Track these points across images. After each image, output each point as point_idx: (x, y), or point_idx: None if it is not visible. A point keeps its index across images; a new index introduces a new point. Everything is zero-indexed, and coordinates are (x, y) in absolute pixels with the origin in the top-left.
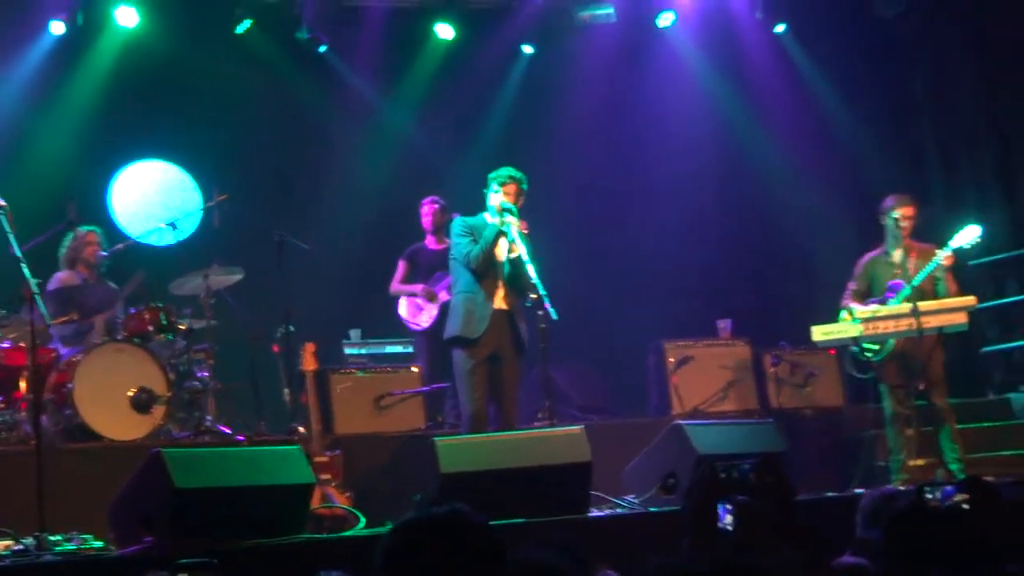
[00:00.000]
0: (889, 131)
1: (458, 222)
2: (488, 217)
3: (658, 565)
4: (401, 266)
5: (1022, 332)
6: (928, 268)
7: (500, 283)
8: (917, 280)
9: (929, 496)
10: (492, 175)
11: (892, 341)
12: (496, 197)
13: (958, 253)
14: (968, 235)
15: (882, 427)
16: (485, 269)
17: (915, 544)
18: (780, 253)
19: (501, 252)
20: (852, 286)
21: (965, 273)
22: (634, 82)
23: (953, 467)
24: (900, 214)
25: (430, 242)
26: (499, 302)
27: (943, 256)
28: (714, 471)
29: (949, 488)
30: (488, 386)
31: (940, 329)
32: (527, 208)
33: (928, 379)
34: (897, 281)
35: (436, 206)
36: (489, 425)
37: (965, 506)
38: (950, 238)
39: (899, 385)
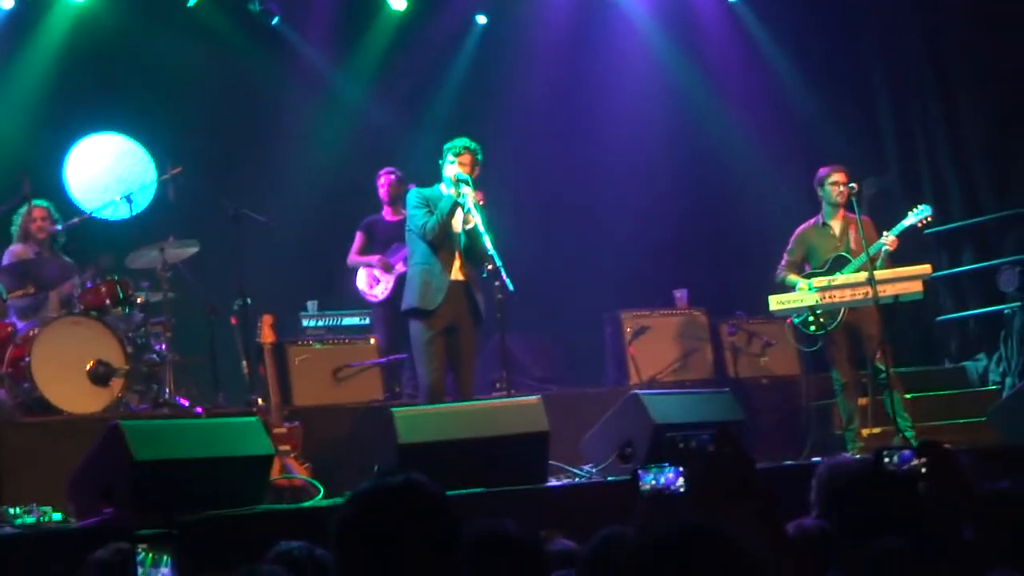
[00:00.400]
0: (843, 101)
1: (413, 193)
2: (444, 188)
3: (606, 535)
4: (358, 238)
5: (976, 301)
6: (873, 248)
7: (456, 254)
8: (861, 259)
9: (887, 461)
10: (447, 146)
11: (838, 317)
12: (451, 168)
13: (905, 233)
14: (918, 215)
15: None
16: (441, 240)
17: (872, 509)
18: (736, 222)
19: (457, 223)
20: (787, 256)
21: (921, 239)
22: (589, 52)
23: (908, 434)
24: (834, 181)
25: (387, 213)
26: (456, 273)
27: (888, 240)
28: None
29: (906, 453)
30: (446, 357)
31: (896, 298)
32: (482, 178)
33: (874, 349)
34: (844, 254)
35: (392, 177)
36: (446, 396)
37: (923, 470)
38: (903, 217)
39: (846, 357)
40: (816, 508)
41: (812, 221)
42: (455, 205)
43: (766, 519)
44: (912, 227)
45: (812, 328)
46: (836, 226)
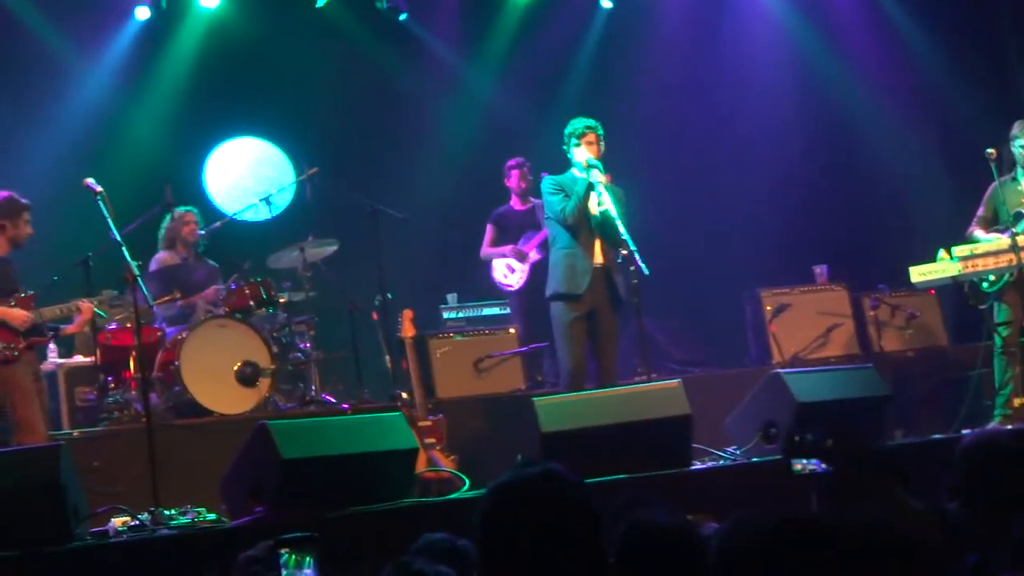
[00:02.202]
0: (975, 64)
1: (547, 180)
2: (576, 172)
3: (744, 520)
4: (489, 230)
5: None
6: None
7: (596, 238)
8: None
9: None
10: (568, 129)
11: (1012, 272)
12: (580, 152)
13: None
14: None
15: (988, 365)
16: (580, 225)
17: (1014, 489)
18: (872, 194)
19: (594, 206)
20: (980, 212)
21: None
22: (716, 31)
23: None
24: (1014, 136)
25: (515, 203)
26: (598, 257)
27: None
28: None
29: None
30: (588, 342)
31: None
32: (612, 163)
33: None
34: (1022, 210)
35: (523, 169)
36: (589, 381)
37: None
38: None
39: (1012, 320)
40: (956, 484)
41: (1006, 177)
42: (589, 187)
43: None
44: None
45: (984, 286)
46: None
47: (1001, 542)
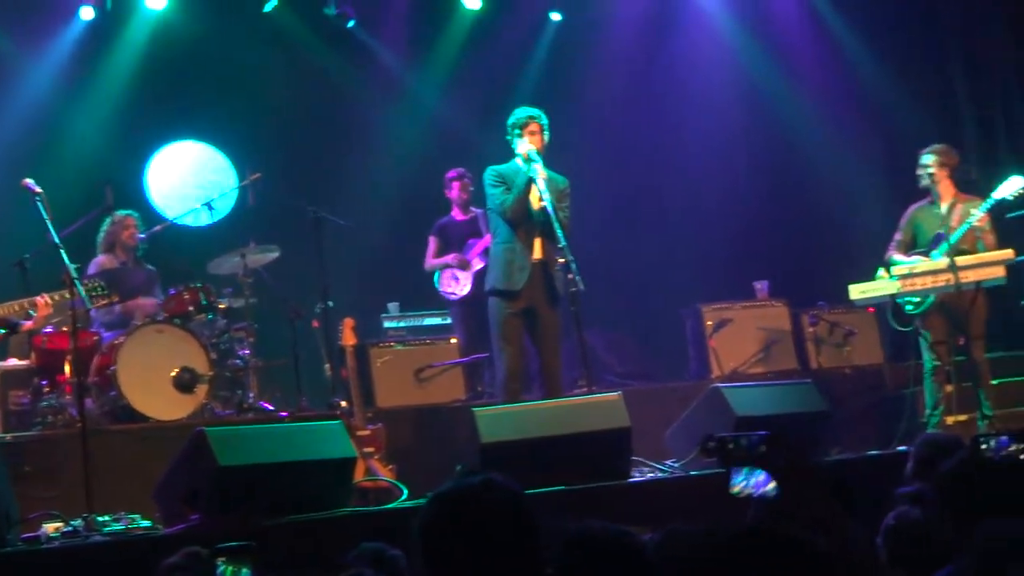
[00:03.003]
0: (920, 84)
1: (490, 172)
2: (520, 163)
3: (677, 532)
4: (432, 242)
5: None
6: (965, 225)
7: (536, 232)
8: (955, 237)
9: (984, 447)
10: (511, 120)
11: (933, 296)
12: (522, 144)
13: (1000, 205)
14: (1010, 187)
15: (920, 383)
16: (520, 219)
17: (969, 497)
18: (814, 212)
19: (535, 201)
20: (897, 236)
21: (1002, 225)
22: (662, 45)
23: (981, 423)
24: (921, 163)
25: (457, 214)
26: (536, 252)
27: (977, 219)
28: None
29: (1004, 439)
30: (527, 341)
31: (978, 284)
32: (559, 165)
33: (969, 332)
34: (942, 232)
35: (464, 180)
36: (532, 382)
37: (1022, 456)
38: (991, 191)
39: (940, 341)
40: (908, 493)
41: (924, 201)
42: (530, 181)
43: (836, 516)
44: (1007, 201)
45: (909, 308)
46: (944, 205)
47: (967, 546)
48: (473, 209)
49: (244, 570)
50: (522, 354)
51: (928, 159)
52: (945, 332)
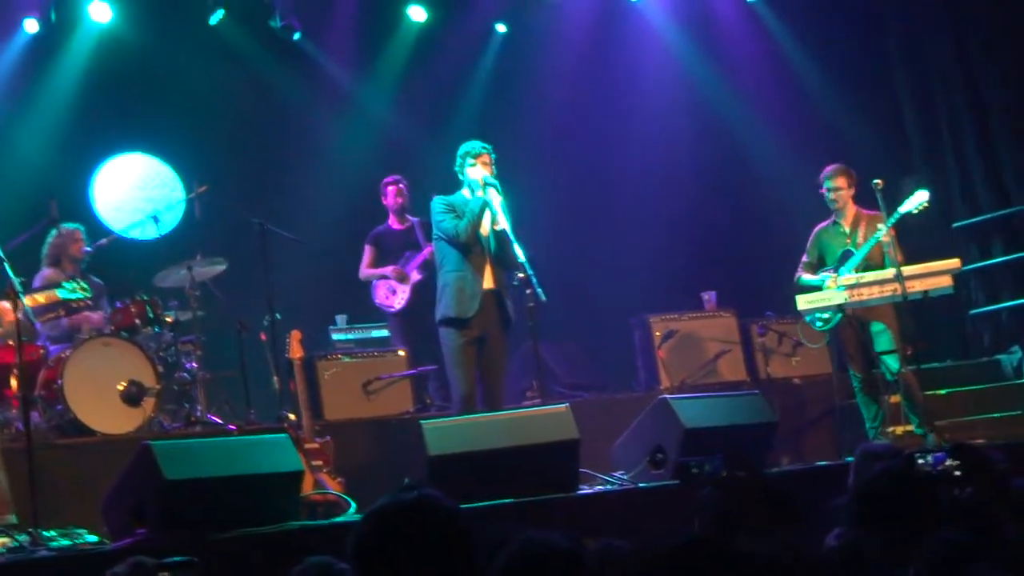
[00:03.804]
0: (865, 95)
1: (438, 201)
2: (466, 192)
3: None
4: (368, 251)
5: (1009, 293)
6: (871, 241)
7: (487, 260)
8: (862, 252)
9: (920, 462)
10: (464, 149)
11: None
12: (475, 171)
13: (906, 219)
14: (915, 201)
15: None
16: (472, 246)
17: (904, 510)
18: (762, 222)
19: (486, 226)
20: (804, 258)
21: (947, 235)
22: (608, 56)
23: (917, 430)
24: (828, 187)
25: (393, 223)
26: (488, 281)
27: (883, 234)
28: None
29: (939, 454)
30: (476, 366)
31: (925, 293)
32: (505, 186)
33: (888, 345)
34: (850, 249)
35: (400, 186)
36: (477, 406)
37: (956, 472)
38: (897, 206)
39: (857, 353)
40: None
41: (828, 221)
42: (484, 206)
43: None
44: (911, 215)
45: (819, 324)
46: (846, 223)
47: (914, 564)
48: (409, 218)
49: None
50: (476, 379)
51: (838, 181)
52: (857, 347)
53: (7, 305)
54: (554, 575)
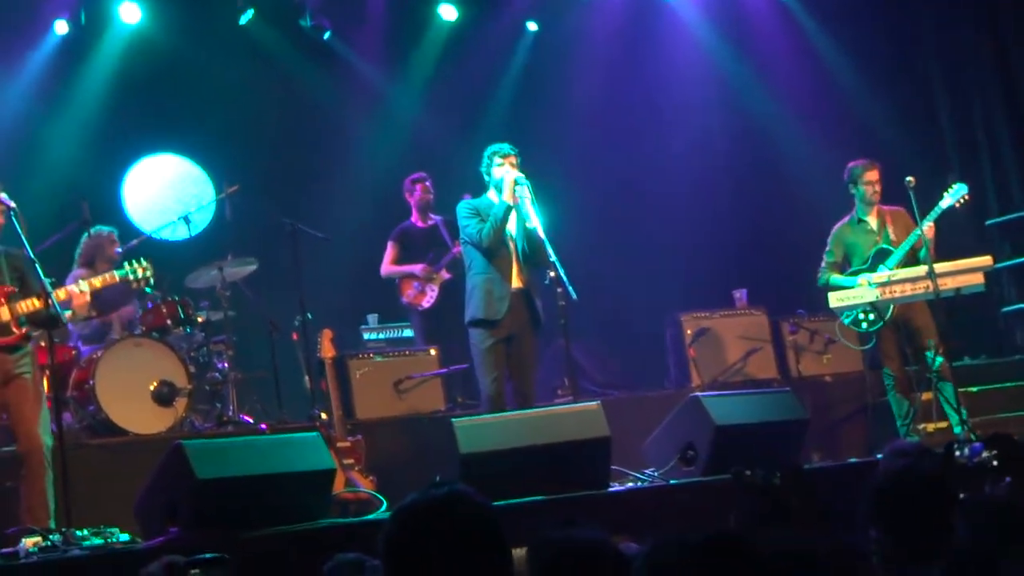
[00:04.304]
0: (899, 93)
1: (463, 205)
2: (492, 194)
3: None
4: (391, 247)
5: None
6: (912, 237)
7: (514, 261)
8: (904, 247)
9: (957, 454)
10: (492, 150)
11: (888, 313)
12: (502, 171)
13: (945, 214)
14: (955, 195)
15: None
16: (497, 248)
17: (919, 508)
18: (793, 220)
19: (515, 226)
20: (827, 258)
21: (982, 230)
22: (641, 55)
23: (957, 430)
24: (868, 180)
25: (417, 220)
26: (516, 281)
27: (925, 227)
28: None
29: (976, 445)
30: (506, 366)
31: (958, 291)
32: (536, 185)
33: (924, 344)
34: (885, 246)
35: (428, 183)
36: (507, 404)
37: (994, 463)
38: (938, 201)
39: (892, 355)
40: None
41: (847, 218)
42: (508, 210)
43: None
44: (952, 209)
45: (864, 326)
46: (872, 221)
47: (938, 562)
48: (433, 216)
49: None
50: (505, 378)
51: (873, 175)
52: (899, 344)
53: (75, 289)
54: (594, 570)
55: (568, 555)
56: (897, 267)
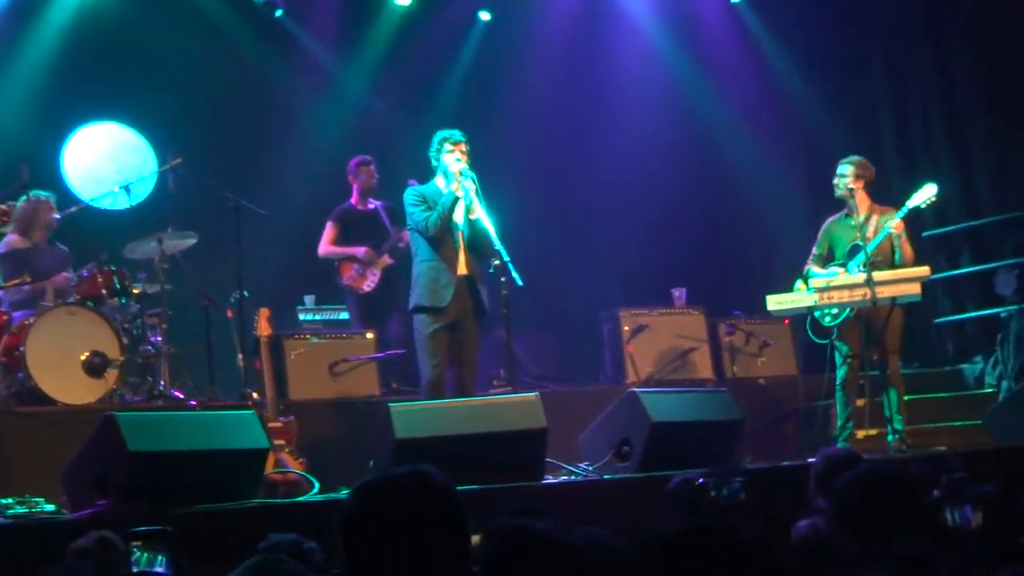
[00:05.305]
0: (844, 100)
1: (411, 192)
2: (440, 181)
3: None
4: (330, 227)
5: (974, 304)
6: (881, 235)
7: (460, 249)
8: (871, 247)
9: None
10: (441, 136)
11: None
12: (450, 159)
13: (914, 213)
14: (924, 194)
15: (832, 396)
16: (443, 236)
17: (865, 512)
18: (735, 222)
19: (459, 216)
20: (814, 250)
21: (917, 244)
22: (591, 52)
23: (890, 439)
24: (838, 173)
25: (357, 202)
26: (461, 268)
27: (893, 224)
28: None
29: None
30: (448, 353)
31: (894, 299)
32: (481, 175)
33: (884, 346)
34: (859, 244)
35: (373, 167)
36: (446, 391)
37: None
38: (907, 200)
39: (854, 354)
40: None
41: (839, 213)
42: (455, 200)
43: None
44: (919, 208)
45: (827, 320)
46: (860, 216)
47: (883, 564)
48: (373, 201)
49: (160, 556)
50: (446, 364)
51: (845, 169)
52: (859, 345)
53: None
54: (539, 562)
55: (523, 543)
56: (864, 265)
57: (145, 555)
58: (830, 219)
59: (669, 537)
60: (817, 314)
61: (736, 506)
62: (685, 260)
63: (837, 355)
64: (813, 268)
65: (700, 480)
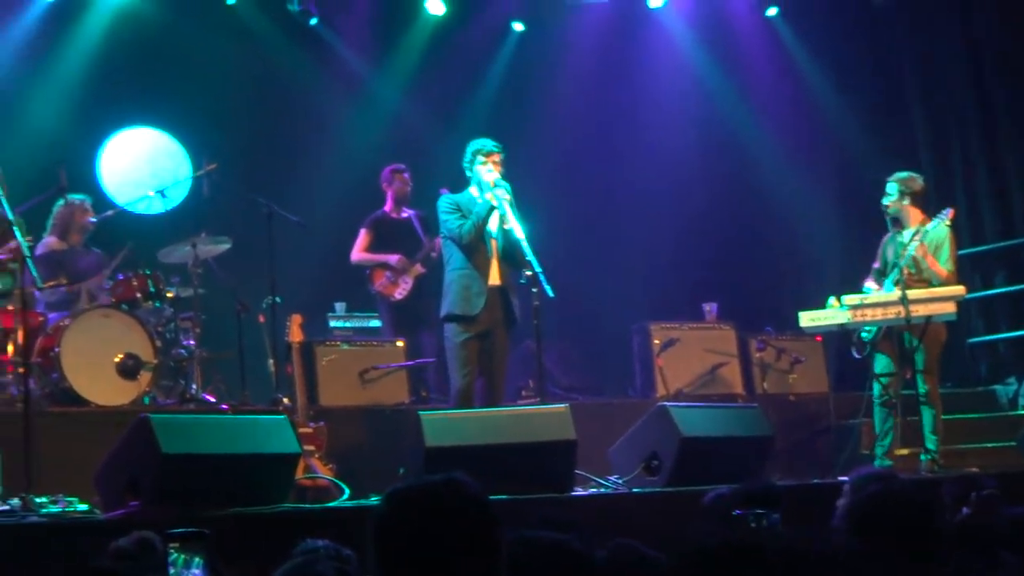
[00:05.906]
0: (879, 116)
1: (445, 199)
2: (474, 191)
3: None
4: (363, 235)
5: (1008, 324)
6: (908, 254)
7: (493, 258)
8: (904, 262)
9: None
10: (475, 146)
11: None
12: (484, 170)
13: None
14: (942, 217)
15: (867, 415)
16: (477, 245)
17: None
18: (768, 237)
19: (494, 226)
20: (875, 264)
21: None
22: (624, 63)
23: (923, 458)
24: (886, 189)
25: (391, 210)
26: (493, 277)
27: (915, 247)
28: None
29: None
30: (478, 362)
31: (928, 318)
32: (514, 186)
33: (919, 366)
34: (898, 261)
35: (407, 175)
36: (476, 401)
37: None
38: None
39: (888, 372)
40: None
41: (895, 229)
42: (491, 210)
43: None
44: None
45: (864, 334)
46: (907, 234)
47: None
48: (407, 210)
49: (197, 559)
50: (476, 374)
51: (890, 188)
52: (893, 363)
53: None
54: (562, 571)
55: (541, 556)
56: (896, 282)
57: (182, 556)
58: (887, 235)
59: (712, 550)
60: (853, 328)
61: (779, 535)
62: (716, 274)
63: (874, 370)
64: (867, 283)
65: (737, 512)
